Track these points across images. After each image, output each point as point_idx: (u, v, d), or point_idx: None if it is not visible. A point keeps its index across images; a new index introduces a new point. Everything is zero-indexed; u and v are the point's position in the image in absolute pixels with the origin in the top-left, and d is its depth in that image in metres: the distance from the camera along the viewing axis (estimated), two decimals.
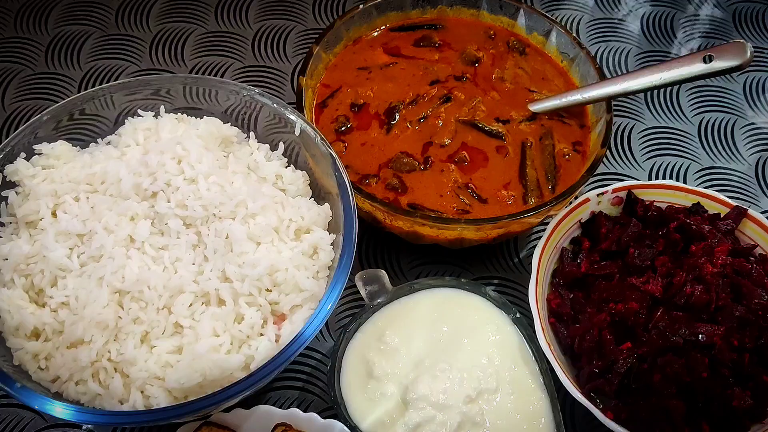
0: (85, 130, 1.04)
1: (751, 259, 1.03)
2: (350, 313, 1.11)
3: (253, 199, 0.93)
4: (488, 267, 1.17)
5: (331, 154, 0.97)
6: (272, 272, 0.89)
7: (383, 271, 1.03)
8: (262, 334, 0.88)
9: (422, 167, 1.08)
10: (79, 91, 1.31)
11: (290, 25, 1.46)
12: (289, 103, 1.04)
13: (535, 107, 1.14)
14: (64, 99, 1.24)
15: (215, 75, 1.37)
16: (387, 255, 1.16)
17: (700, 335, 0.92)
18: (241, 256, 0.89)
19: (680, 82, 1.01)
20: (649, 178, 1.27)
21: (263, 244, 0.92)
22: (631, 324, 0.95)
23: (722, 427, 0.94)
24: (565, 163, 1.11)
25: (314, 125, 1.01)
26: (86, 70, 1.37)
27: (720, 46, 0.96)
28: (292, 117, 1.01)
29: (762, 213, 1.23)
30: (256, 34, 1.44)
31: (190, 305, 0.88)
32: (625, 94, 1.06)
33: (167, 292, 0.87)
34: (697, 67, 0.97)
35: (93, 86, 1.31)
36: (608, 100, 1.08)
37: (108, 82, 1.33)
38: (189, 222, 0.92)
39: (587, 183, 1.05)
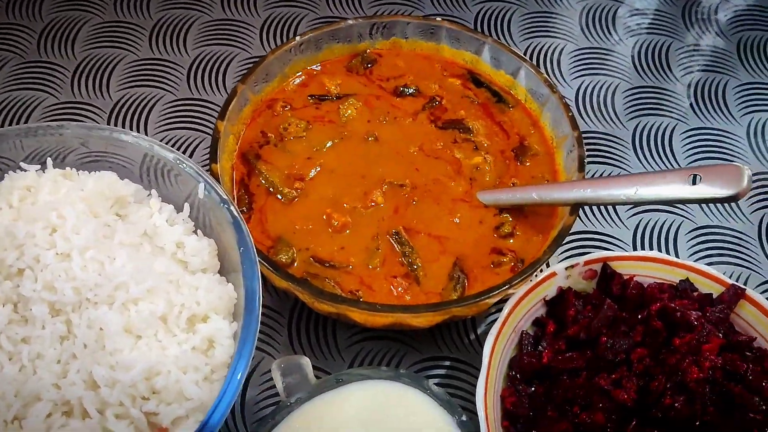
0: None
1: (748, 354, 0.85)
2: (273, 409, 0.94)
3: (137, 280, 0.77)
4: (440, 345, 1.00)
5: (233, 219, 0.80)
6: (150, 376, 0.73)
7: (306, 359, 0.86)
8: None
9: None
10: (72, 82, 1.24)
11: (302, 13, 1.34)
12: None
13: (485, 198, 0.96)
14: (56, 90, 1.20)
15: (219, 66, 1.27)
16: (321, 327, 1.00)
17: None
18: (114, 355, 0.73)
19: (658, 203, 0.83)
20: (633, 241, 1.10)
21: (144, 339, 0.75)
22: None
23: None
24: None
25: (223, 181, 0.85)
26: (81, 59, 1.28)
27: (711, 167, 0.78)
28: (191, 173, 0.84)
29: (761, 285, 1.05)
30: (264, 22, 1.33)
31: (48, 416, 0.71)
32: (590, 204, 0.88)
33: (19, 400, 0.71)
34: (680, 190, 0.79)
35: (87, 77, 1.26)
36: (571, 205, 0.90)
37: (103, 72, 1.27)
38: (58, 307, 0.76)
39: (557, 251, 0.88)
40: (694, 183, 0.79)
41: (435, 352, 0.99)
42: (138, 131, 1.17)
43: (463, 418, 0.85)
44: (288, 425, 0.85)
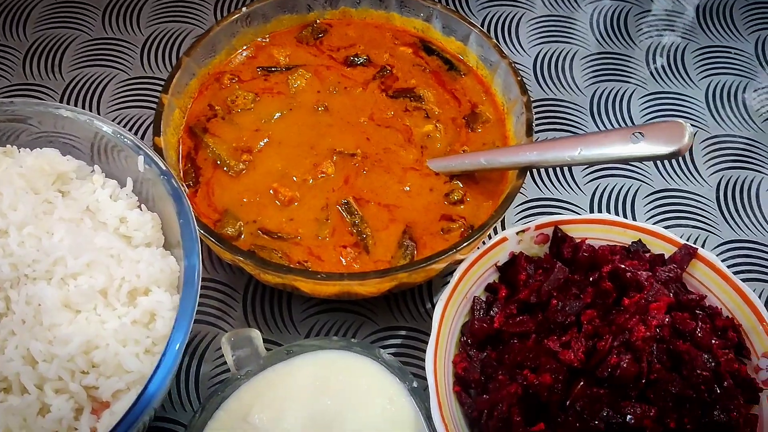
0: None
1: (698, 313, 0.85)
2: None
3: (75, 254, 0.76)
4: (396, 315, 0.99)
5: (173, 191, 0.79)
6: (89, 350, 0.72)
7: (257, 332, 0.86)
8: (76, 429, 0.71)
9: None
10: (24, 64, 1.23)
11: (188, 29, 1.27)
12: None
13: (435, 165, 0.95)
14: (8, 72, 1.20)
15: (172, 43, 1.23)
16: (276, 301, 0.99)
17: (628, 417, 0.75)
18: (52, 330, 0.72)
19: (602, 162, 0.82)
20: (590, 207, 1.09)
21: (83, 313, 0.74)
22: (544, 401, 0.78)
23: None
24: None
25: (169, 155, 0.84)
26: (33, 40, 1.25)
27: (653, 124, 0.77)
28: (131, 146, 0.83)
29: (718, 247, 1.05)
30: (146, 40, 1.26)
31: None
32: (537, 167, 0.87)
33: None
34: (623, 148, 0.77)
35: (39, 58, 1.24)
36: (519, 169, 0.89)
37: (55, 52, 1.24)
38: None
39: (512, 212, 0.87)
40: (637, 141, 0.78)
41: (391, 322, 0.99)
42: (91, 111, 1.15)
43: (414, 384, 0.85)
44: (237, 398, 0.84)
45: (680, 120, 0.75)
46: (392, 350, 0.96)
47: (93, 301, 0.75)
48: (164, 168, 0.81)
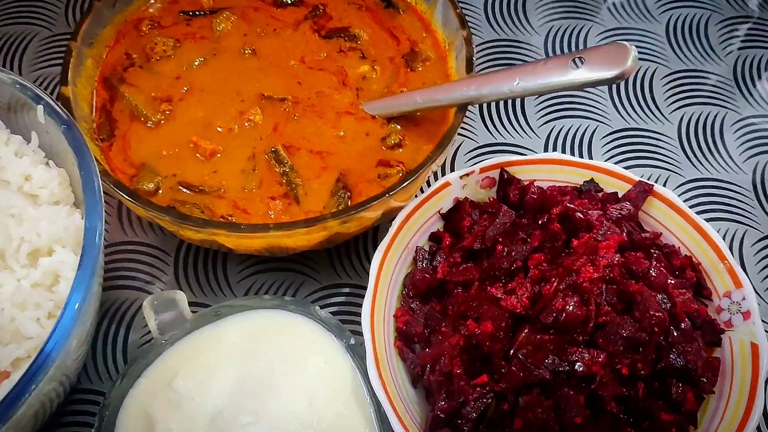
0: None
1: (653, 253, 0.79)
2: None
3: None
4: (339, 272, 0.93)
5: (75, 141, 0.72)
6: None
7: (182, 294, 0.80)
8: None
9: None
10: None
11: None
12: None
13: (370, 108, 0.88)
14: None
15: (17, 46, 1.12)
16: (210, 263, 0.92)
17: (576, 365, 0.69)
18: None
19: (543, 92, 0.76)
20: (545, 150, 1.03)
21: None
22: (487, 351, 0.72)
23: None
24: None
25: (80, 107, 0.77)
26: None
27: (594, 48, 0.70)
28: (31, 96, 0.76)
29: (680, 186, 0.99)
30: None
31: None
32: (475, 102, 0.80)
33: None
34: (563, 76, 0.70)
35: None
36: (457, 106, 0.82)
37: None
38: None
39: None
40: (577, 68, 0.71)
41: (333, 279, 0.92)
42: (12, 70, 1.07)
43: (352, 341, 0.79)
44: (161, 364, 0.78)
45: (623, 42, 0.68)
46: (335, 309, 0.90)
47: None
48: (66, 117, 0.74)
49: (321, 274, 0.93)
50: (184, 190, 0.81)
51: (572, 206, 0.80)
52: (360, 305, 0.86)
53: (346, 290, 0.92)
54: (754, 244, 0.96)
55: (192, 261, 0.93)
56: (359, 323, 0.85)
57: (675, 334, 0.73)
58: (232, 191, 0.81)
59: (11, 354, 0.66)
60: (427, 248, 0.85)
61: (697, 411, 0.74)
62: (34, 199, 0.76)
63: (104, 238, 0.93)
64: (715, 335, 0.78)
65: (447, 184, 0.85)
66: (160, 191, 0.81)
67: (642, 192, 0.84)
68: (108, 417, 0.74)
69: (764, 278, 0.94)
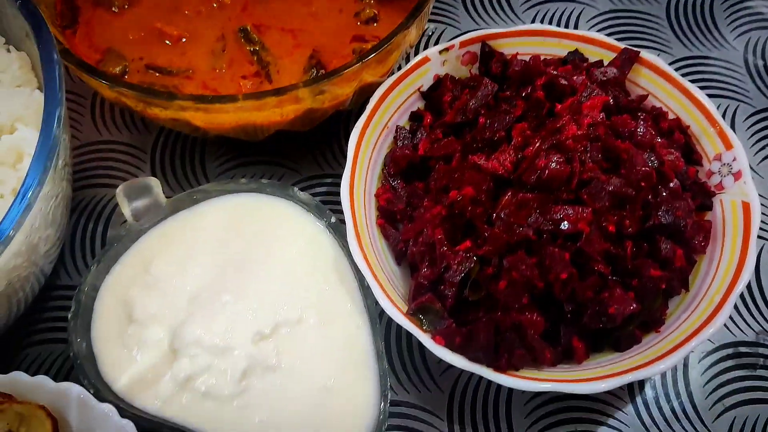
0: None
1: (640, 116, 0.77)
2: None
3: None
4: (321, 164, 0.90)
5: (28, 15, 0.69)
6: None
7: (155, 180, 0.77)
8: None
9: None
10: None
11: None
12: None
13: None
14: None
15: None
16: (188, 158, 0.90)
17: (563, 223, 0.67)
18: None
19: None
20: None
21: None
22: (469, 216, 0.70)
23: (602, 340, 0.70)
24: None
25: None
26: None
27: None
28: None
29: (670, 66, 0.96)
30: None
31: None
32: None
33: None
34: None
35: None
36: None
37: None
38: None
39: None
40: None
41: (315, 171, 0.90)
42: None
43: (333, 219, 0.77)
44: (138, 250, 0.76)
45: None
46: (318, 198, 0.87)
47: None
48: None
49: (302, 166, 0.90)
50: (152, 71, 0.78)
51: (556, 73, 0.77)
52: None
53: (328, 180, 0.89)
54: (747, 118, 0.93)
55: (169, 157, 0.90)
56: (341, 211, 0.82)
57: (663, 193, 0.70)
58: (201, 72, 0.79)
59: None
60: (407, 127, 0.82)
61: (688, 270, 0.72)
62: None
63: (77, 138, 0.91)
64: (705, 198, 0.76)
65: (426, 60, 0.82)
66: (127, 74, 0.78)
67: (628, 59, 0.81)
68: (85, 302, 0.72)
69: (756, 152, 0.91)
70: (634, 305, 0.67)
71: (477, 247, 0.69)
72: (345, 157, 0.83)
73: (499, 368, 0.66)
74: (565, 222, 0.66)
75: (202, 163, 0.90)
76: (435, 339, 0.67)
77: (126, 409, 0.67)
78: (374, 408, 0.68)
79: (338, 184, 0.88)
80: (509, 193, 0.69)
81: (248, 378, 0.68)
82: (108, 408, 0.64)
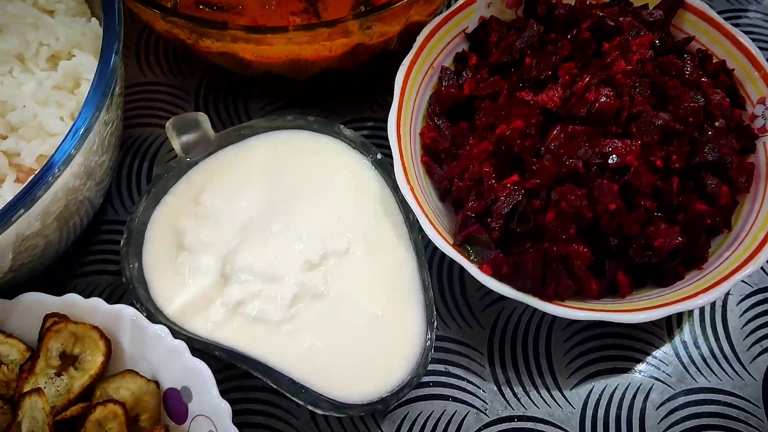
0: None
1: (686, 57, 0.77)
2: None
3: None
4: (364, 108, 0.91)
5: None
6: (4, 111, 0.64)
7: (204, 115, 0.78)
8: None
9: None
10: None
11: None
12: None
13: None
14: None
15: None
16: (231, 104, 0.91)
17: (611, 157, 0.67)
18: None
19: None
20: None
21: None
22: (518, 150, 0.70)
23: (645, 276, 0.71)
24: None
25: None
26: None
27: None
28: None
29: None
30: None
31: None
32: None
33: None
34: None
35: None
36: None
37: None
38: None
39: None
40: None
41: (359, 114, 0.91)
42: None
43: (378, 156, 0.78)
44: (187, 181, 0.78)
45: None
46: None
47: (8, 65, 0.67)
48: None
49: (346, 110, 0.91)
50: (203, 7, 0.79)
51: (602, 14, 0.78)
52: (385, 137, 0.84)
53: (371, 123, 0.90)
54: None
55: (213, 99, 0.91)
56: (385, 154, 0.82)
57: (710, 132, 0.71)
58: (250, 8, 0.79)
59: (35, 150, 0.65)
60: (452, 68, 0.83)
61: (732, 207, 0.72)
62: (51, 14, 0.74)
63: (123, 80, 0.92)
64: (749, 140, 0.76)
65: (471, 1, 0.82)
66: (178, 8, 0.79)
67: (673, 3, 0.81)
68: (136, 230, 0.73)
69: None
70: (680, 239, 0.67)
71: (525, 180, 0.69)
72: (387, 102, 0.84)
73: (545, 298, 0.67)
74: (614, 155, 0.67)
75: (246, 105, 0.91)
76: (482, 269, 0.68)
77: (178, 332, 0.68)
78: (421, 336, 0.69)
79: (380, 128, 0.90)
80: (558, 127, 0.70)
81: (297, 304, 0.70)
82: (160, 329, 0.66)
